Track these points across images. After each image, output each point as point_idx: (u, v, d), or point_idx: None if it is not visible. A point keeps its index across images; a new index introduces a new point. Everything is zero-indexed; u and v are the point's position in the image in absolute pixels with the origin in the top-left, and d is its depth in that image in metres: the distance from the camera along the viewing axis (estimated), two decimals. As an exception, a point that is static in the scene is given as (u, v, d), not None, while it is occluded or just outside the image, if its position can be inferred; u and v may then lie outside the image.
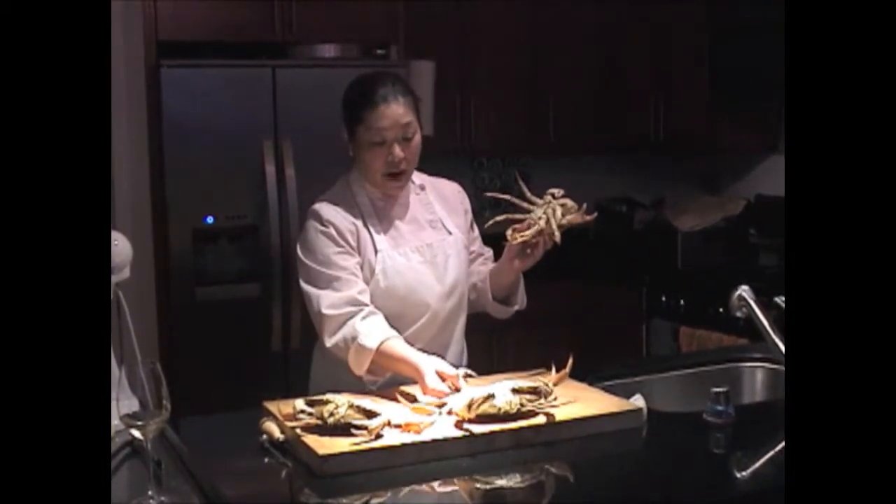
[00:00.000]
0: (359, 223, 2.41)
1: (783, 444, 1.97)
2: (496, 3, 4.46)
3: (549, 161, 4.97)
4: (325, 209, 2.41)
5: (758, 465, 1.94)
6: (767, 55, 3.94)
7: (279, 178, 3.69)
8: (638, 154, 5.00)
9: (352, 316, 2.29)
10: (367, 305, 2.32)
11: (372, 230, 2.41)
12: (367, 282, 2.37)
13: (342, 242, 2.37)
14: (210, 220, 3.65)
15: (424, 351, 2.27)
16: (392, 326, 2.32)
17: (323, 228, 2.38)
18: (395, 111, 2.34)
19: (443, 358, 2.21)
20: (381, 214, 2.45)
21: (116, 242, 2.16)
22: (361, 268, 2.38)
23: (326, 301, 2.31)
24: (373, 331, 2.27)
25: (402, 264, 2.41)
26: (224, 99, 3.65)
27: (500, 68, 4.50)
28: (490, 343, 3.61)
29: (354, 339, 2.26)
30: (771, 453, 1.98)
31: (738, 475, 1.93)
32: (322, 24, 3.88)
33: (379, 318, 2.31)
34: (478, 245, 2.66)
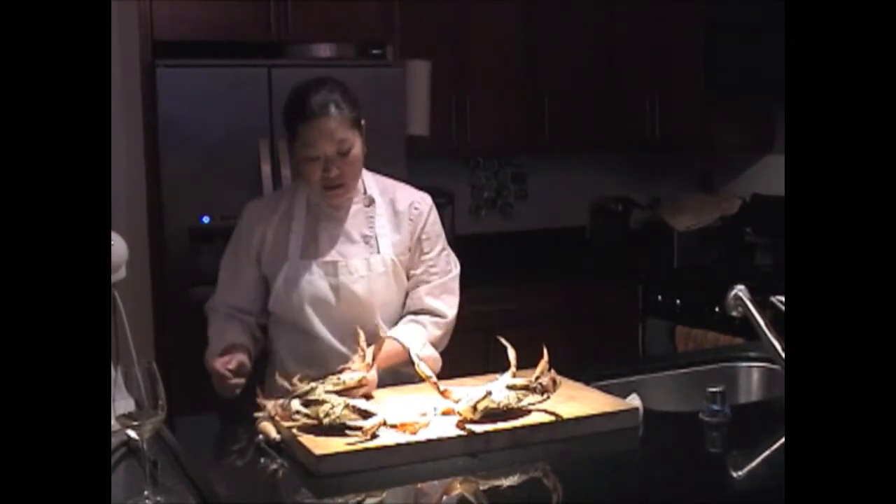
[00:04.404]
0: (273, 228, 2.45)
1: (779, 443, 1.98)
2: (492, 2, 4.46)
3: (546, 160, 4.98)
4: (246, 210, 2.53)
5: (754, 464, 1.95)
6: (764, 54, 3.95)
7: (275, 177, 3.68)
8: (634, 153, 5.00)
9: (212, 320, 2.50)
10: (225, 311, 2.48)
11: (291, 236, 2.43)
12: (272, 289, 2.46)
13: (241, 247, 2.48)
14: (206, 219, 3.64)
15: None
16: (295, 339, 2.44)
17: (238, 228, 2.51)
18: (328, 126, 2.29)
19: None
20: (310, 221, 2.45)
21: (112, 242, 2.15)
22: (270, 272, 2.45)
23: (210, 299, 2.54)
24: (215, 337, 2.45)
25: (302, 277, 2.41)
26: (220, 98, 3.64)
27: (496, 68, 4.49)
28: (486, 343, 3.62)
29: (209, 341, 2.45)
30: (767, 452, 1.98)
31: (735, 474, 1.93)
32: (318, 24, 3.88)
33: (230, 325, 2.46)
34: (423, 269, 2.48)
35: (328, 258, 2.42)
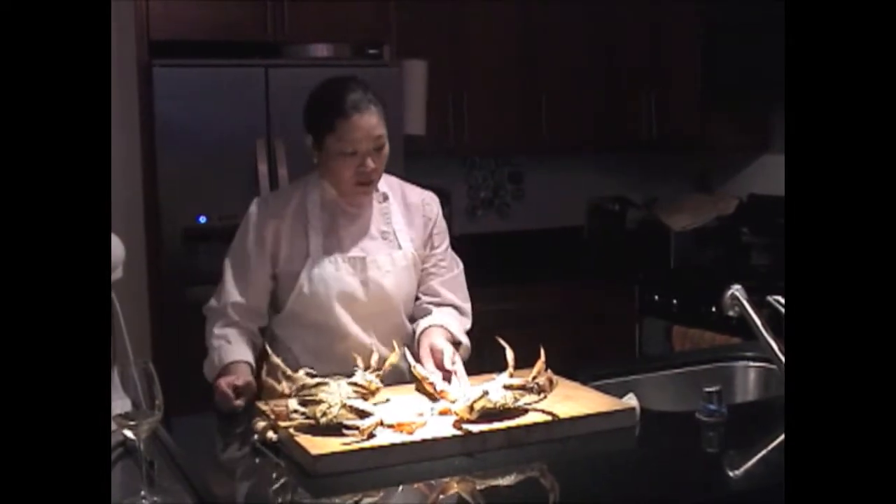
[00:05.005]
0: (288, 225, 2.41)
1: (776, 442, 1.98)
2: (490, 2, 4.46)
3: (543, 160, 4.97)
4: (254, 207, 2.47)
5: (750, 463, 1.95)
6: (761, 55, 3.95)
7: (272, 177, 3.68)
8: (631, 153, 5.01)
9: (214, 324, 2.43)
10: (230, 315, 2.42)
11: (311, 233, 2.40)
12: (290, 286, 2.41)
13: (250, 244, 2.42)
14: (203, 219, 3.64)
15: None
16: (319, 338, 2.41)
17: (246, 224, 2.45)
18: (369, 122, 2.32)
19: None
20: (328, 218, 2.43)
21: (109, 242, 2.16)
22: (288, 271, 2.41)
23: (212, 299, 2.48)
24: (216, 346, 2.39)
25: (329, 273, 2.39)
26: (216, 98, 3.64)
27: (493, 67, 4.49)
28: (484, 343, 3.62)
29: (210, 348, 2.41)
30: (763, 452, 1.98)
31: (731, 474, 1.93)
32: (314, 24, 3.88)
33: (232, 335, 2.40)
34: (433, 263, 2.56)
35: (354, 254, 2.42)
